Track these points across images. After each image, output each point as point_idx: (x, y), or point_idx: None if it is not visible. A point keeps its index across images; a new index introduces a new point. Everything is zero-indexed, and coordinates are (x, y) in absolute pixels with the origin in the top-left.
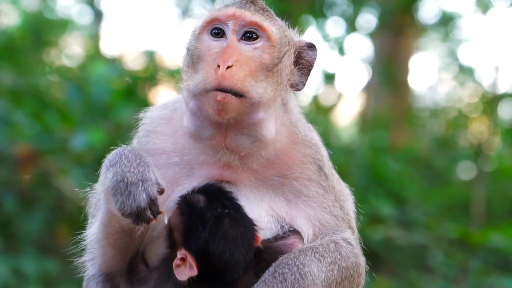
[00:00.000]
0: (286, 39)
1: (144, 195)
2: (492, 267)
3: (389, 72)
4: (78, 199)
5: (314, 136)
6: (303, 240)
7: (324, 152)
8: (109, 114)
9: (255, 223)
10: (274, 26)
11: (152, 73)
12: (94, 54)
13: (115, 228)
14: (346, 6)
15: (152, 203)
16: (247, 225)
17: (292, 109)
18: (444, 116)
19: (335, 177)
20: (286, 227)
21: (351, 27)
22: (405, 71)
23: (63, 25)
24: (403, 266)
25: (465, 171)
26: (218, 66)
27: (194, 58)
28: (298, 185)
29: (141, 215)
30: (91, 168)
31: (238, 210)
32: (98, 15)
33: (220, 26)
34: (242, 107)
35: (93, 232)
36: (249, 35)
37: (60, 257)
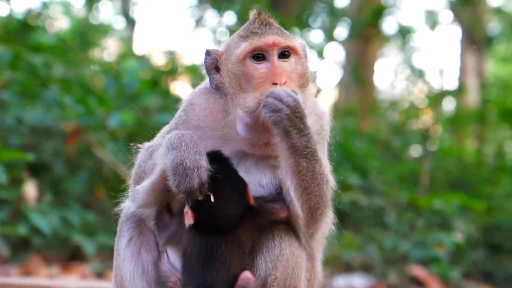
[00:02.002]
0: (305, 49)
1: (198, 179)
2: (434, 225)
3: (357, 72)
4: (112, 165)
5: (322, 109)
6: (288, 207)
7: (327, 123)
8: (138, 100)
9: (247, 184)
10: (298, 42)
11: (172, 68)
12: (127, 52)
13: (161, 187)
14: (326, 17)
15: (202, 186)
16: (237, 186)
17: (310, 95)
18: (399, 107)
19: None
20: (279, 188)
21: (329, 37)
22: (371, 72)
23: (104, 29)
24: (365, 223)
25: (415, 151)
26: (274, 83)
27: (241, 80)
28: None
29: (192, 194)
30: (122, 141)
31: (231, 173)
32: (131, 22)
33: (262, 52)
34: None
35: (144, 185)
36: (284, 54)
37: (98, 210)
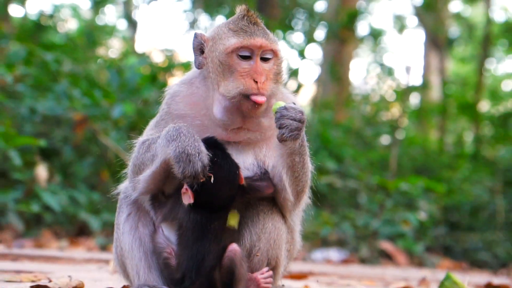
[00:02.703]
0: (281, 51)
1: (200, 163)
2: (400, 205)
3: (334, 70)
4: (116, 151)
5: (297, 101)
6: (273, 185)
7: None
8: (138, 92)
9: (239, 166)
10: (278, 45)
11: (169, 65)
12: (129, 51)
13: (160, 175)
14: (306, 21)
15: (205, 168)
16: (232, 169)
17: (283, 90)
18: (371, 101)
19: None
20: (263, 168)
21: (309, 38)
22: (346, 69)
23: (109, 30)
24: (340, 204)
25: (385, 139)
26: (255, 81)
27: (225, 69)
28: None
29: (197, 177)
30: (124, 130)
31: (226, 157)
32: (132, 24)
33: (248, 51)
34: (266, 104)
35: (145, 175)
36: (266, 55)
37: (103, 191)
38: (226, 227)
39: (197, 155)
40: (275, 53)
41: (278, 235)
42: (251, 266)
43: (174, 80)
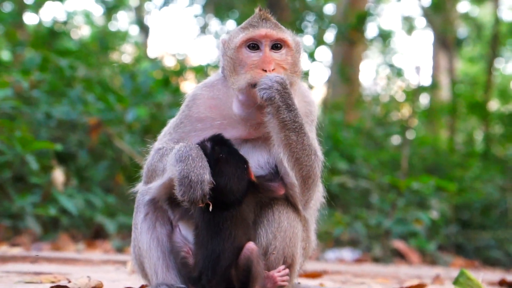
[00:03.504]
0: (297, 44)
1: (200, 191)
2: (412, 204)
3: (344, 71)
4: (130, 154)
5: (311, 96)
6: (284, 185)
7: (315, 109)
8: (151, 97)
9: (248, 161)
10: (289, 36)
11: (180, 69)
12: (141, 56)
13: (170, 186)
14: (315, 24)
15: (204, 197)
16: (239, 164)
17: (299, 84)
18: (381, 102)
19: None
20: (275, 168)
21: (318, 41)
22: (356, 71)
23: (121, 35)
24: (352, 203)
25: (395, 139)
26: (263, 70)
27: (236, 65)
28: None
29: (195, 203)
30: (138, 133)
31: (233, 153)
32: (144, 29)
33: (256, 42)
34: None
35: (155, 184)
36: (276, 45)
37: (118, 194)
38: (240, 225)
39: (199, 183)
40: (284, 42)
41: (293, 234)
42: (267, 264)
43: (190, 85)
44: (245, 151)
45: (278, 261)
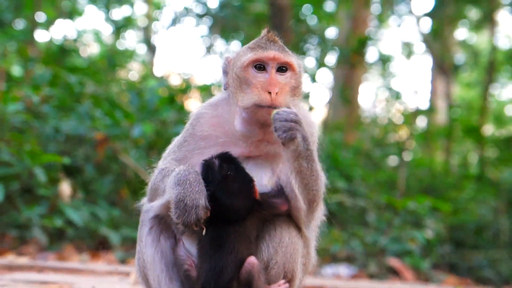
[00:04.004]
0: (300, 67)
1: (195, 216)
2: (408, 223)
3: (344, 93)
4: (135, 169)
5: (312, 118)
6: (288, 202)
7: (316, 130)
8: (157, 113)
9: (253, 180)
10: (295, 60)
11: (186, 87)
12: (148, 74)
13: (170, 207)
14: (318, 46)
15: (198, 221)
16: (245, 182)
17: (300, 106)
18: (380, 124)
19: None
20: (279, 186)
21: (320, 63)
22: (356, 93)
23: (129, 54)
24: (349, 221)
25: (393, 160)
26: (268, 92)
27: (241, 83)
28: None
29: (188, 227)
30: (143, 149)
31: (240, 171)
32: (151, 48)
33: (263, 63)
34: None
35: (156, 204)
36: (282, 68)
37: (122, 207)
38: (243, 240)
39: (194, 208)
40: (290, 66)
41: (294, 249)
42: (268, 278)
43: (194, 103)
44: (248, 168)
45: (279, 276)
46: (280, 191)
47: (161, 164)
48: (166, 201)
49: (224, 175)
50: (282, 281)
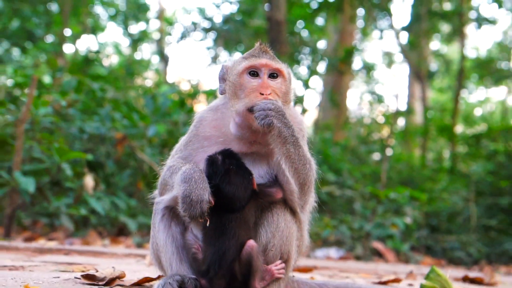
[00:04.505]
0: (290, 74)
1: (199, 210)
2: (390, 211)
3: (333, 97)
4: (150, 164)
5: (301, 117)
6: (282, 190)
7: (305, 126)
8: (169, 116)
9: (252, 173)
10: (285, 68)
11: (194, 92)
12: (161, 80)
13: (178, 201)
14: (310, 57)
15: (202, 214)
16: (246, 175)
17: (290, 107)
18: (364, 124)
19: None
20: (273, 177)
21: (312, 71)
22: (344, 97)
23: (145, 63)
24: (338, 210)
25: (376, 156)
26: (261, 94)
27: (237, 89)
28: None
29: (194, 219)
30: (157, 147)
31: (240, 166)
32: (164, 59)
33: (256, 70)
34: None
35: (166, 198)
36: (273, 74)
37: (139, 198)
38: (243, 226)
39: (199, 202)
40: (281, 72)
41: (289, 233)
42: (266, 259)
43: (202, 106)
44: (246, 163)
45: (276, 257)
46: (274, 182)
47: (169, 161)
48: (174, 196)
49: (226, 169)
50: (278, 262)
